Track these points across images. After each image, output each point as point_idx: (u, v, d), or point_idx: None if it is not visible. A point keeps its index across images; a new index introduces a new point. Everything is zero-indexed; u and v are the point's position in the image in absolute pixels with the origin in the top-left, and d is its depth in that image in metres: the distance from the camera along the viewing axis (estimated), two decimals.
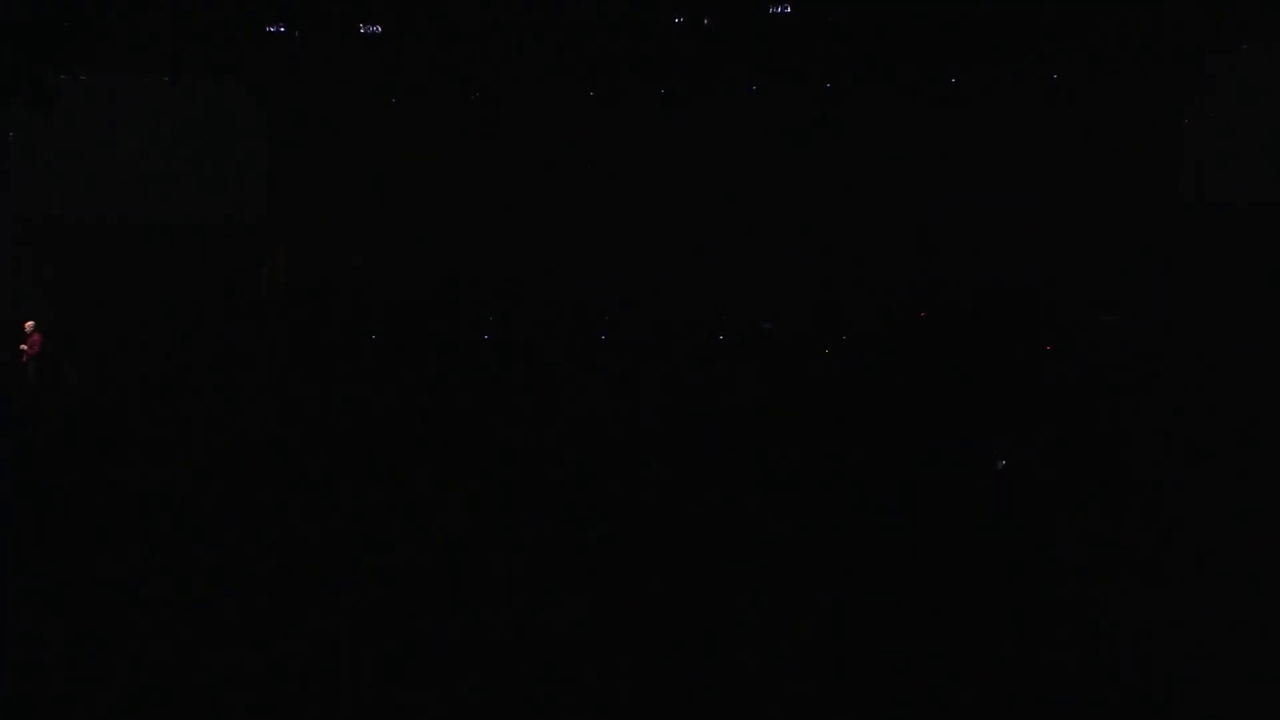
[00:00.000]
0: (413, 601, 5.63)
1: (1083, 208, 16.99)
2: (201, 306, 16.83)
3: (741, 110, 17.88)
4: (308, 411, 11.13)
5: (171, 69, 16.73)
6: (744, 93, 17.79)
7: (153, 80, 17.24)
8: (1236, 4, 14.93)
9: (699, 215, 18.00)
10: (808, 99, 17.60)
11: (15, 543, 6.52)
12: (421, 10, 15.63)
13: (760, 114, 17.85)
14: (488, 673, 4.90)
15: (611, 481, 7.98)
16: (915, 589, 5.67)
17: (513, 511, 7.18)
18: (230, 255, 17.54)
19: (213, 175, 17.47)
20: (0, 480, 7.81)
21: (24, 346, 13.69)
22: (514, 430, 10.06)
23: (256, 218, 17.81)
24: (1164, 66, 16.15)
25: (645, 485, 7.85)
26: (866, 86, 17.19)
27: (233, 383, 13.04)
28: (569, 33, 16.09)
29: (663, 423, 10.58)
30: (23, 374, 13.55)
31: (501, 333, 17.34)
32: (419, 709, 4.66)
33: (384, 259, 18.20)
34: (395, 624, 5.37)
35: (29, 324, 13.82)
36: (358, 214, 18.17)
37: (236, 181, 17.63)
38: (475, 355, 15.81)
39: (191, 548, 6.47)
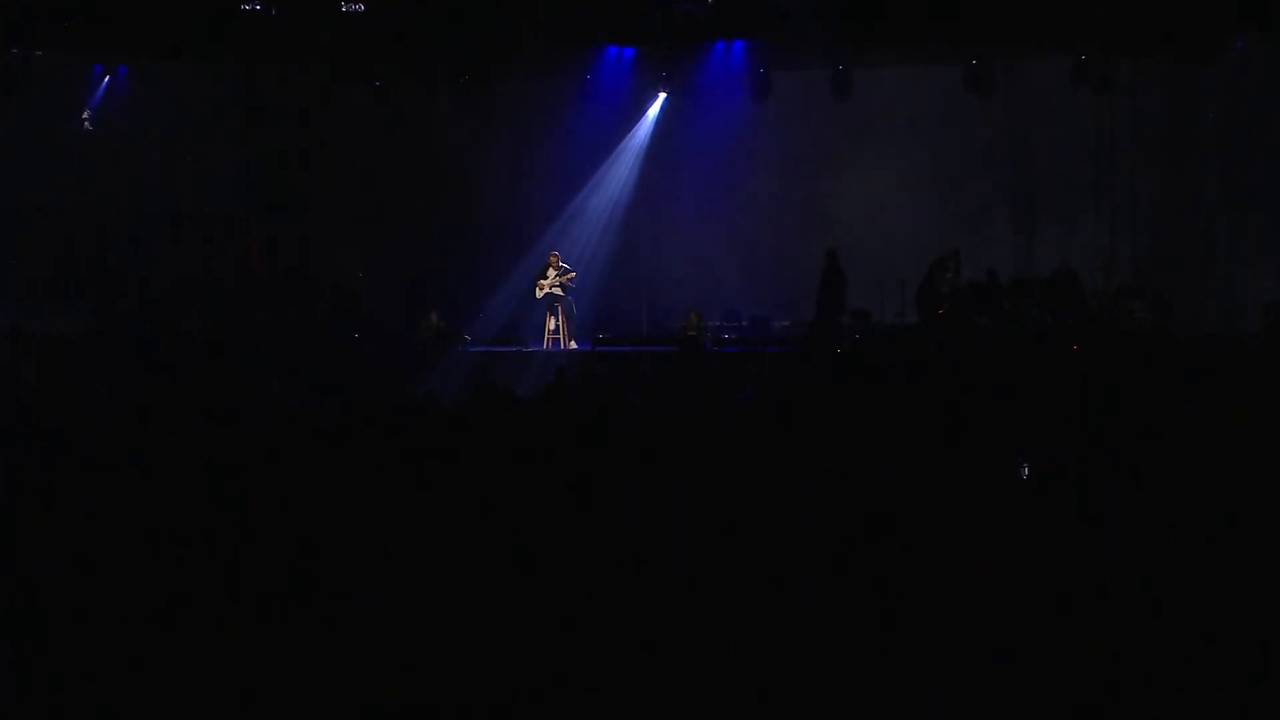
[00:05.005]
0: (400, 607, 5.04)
1: (1105, 199, 16.37)
2: (176, 299, 16.10)
3: (750, 96, 17.20)
4: (288, 411, 10.55)
5: (140, 49, 15.94)
6: (752, 77, 17.09)
7: (119, 59, 16.48)
8: None
9: (701, 210, 17.50)
10: (818, 82, 16.92)
11: None
12: None
13: (767, 100, 17.19)
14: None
15: (610, 484, 7.45)
16: (932, 599, 5.19)
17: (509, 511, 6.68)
18: (205, 245, 16.94)
19: (185, 161, 16.73)
20: None
21: None
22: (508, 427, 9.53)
23: (232, 205, 17.26)
24: (1193, 51, 15.58)
25: (646, 489, 7.32)
26: (880, 70, 16.62)
27: (208, 381, 12.42)
28: (565, 18, 15.42)
29: (663, 424, 10.05)
30: None
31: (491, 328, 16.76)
32: None
33: (366, 251, 17.71)
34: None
35: None
36: (339, 202, 17.56)
37: (210, 168, 16.92)
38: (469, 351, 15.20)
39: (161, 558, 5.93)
